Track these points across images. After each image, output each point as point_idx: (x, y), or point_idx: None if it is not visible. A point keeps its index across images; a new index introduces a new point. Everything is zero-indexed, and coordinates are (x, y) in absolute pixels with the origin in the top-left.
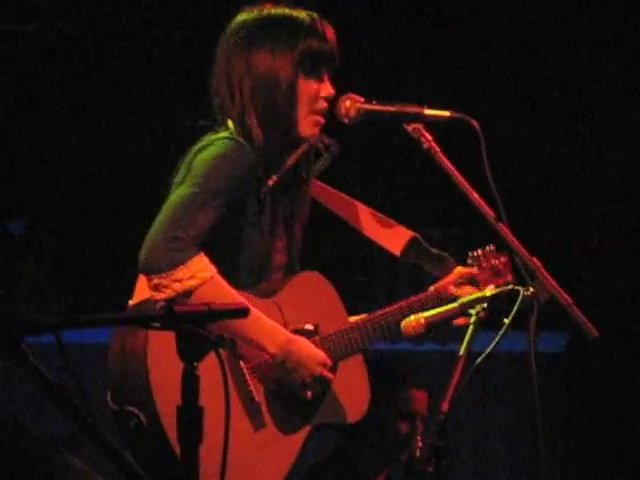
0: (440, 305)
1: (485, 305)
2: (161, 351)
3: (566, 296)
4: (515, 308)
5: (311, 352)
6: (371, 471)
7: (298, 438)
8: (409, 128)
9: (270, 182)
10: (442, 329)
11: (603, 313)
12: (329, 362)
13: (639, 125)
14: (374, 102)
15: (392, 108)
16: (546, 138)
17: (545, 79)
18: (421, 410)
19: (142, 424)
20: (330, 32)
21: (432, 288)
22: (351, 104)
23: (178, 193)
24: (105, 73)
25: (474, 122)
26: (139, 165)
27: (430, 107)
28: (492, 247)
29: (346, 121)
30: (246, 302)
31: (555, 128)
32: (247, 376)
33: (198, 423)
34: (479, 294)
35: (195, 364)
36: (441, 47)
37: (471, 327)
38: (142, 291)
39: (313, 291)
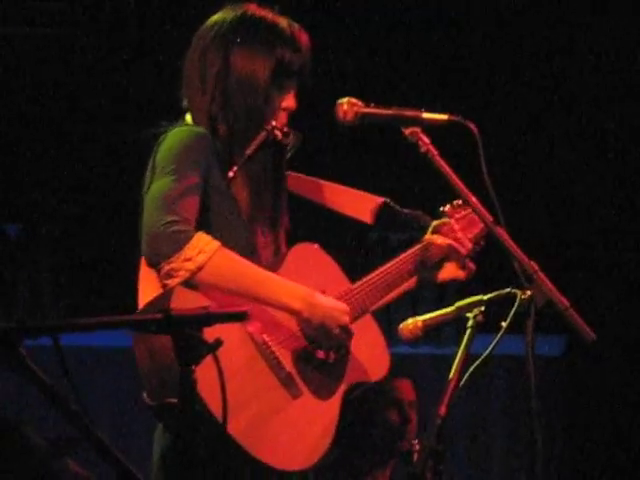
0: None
1: (482, 308)
2: None
3: (563, 299)
4: (512, 311)
5: (333, 303)
6: (371, 464)
7: (334, 402)
8: (407, 132)
9: (231, 173)
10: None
11: (600, 316)
12: (350, 310)
13: (637, 129)
14: (372, 105)
15: (390, 112)
16: (544, 140)
17: (544, 82)
18: (408, 398)
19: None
20: (306, 47)
21: (417, 244)
22: (349, 108)
23: (155, 186)
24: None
25: (472, 125)
26: (137, 167)
27: (428, 110)
28: (459, 202)
29: (344, 125)
30: (259, 268)
31: (553, 131)
32: (274, 348)
33: (196, 426)
34: (476, 298)
35: (192, 368)
36: (438, 50)
37: (469, 331)
38: (146, 294)
39: (312, 261)
